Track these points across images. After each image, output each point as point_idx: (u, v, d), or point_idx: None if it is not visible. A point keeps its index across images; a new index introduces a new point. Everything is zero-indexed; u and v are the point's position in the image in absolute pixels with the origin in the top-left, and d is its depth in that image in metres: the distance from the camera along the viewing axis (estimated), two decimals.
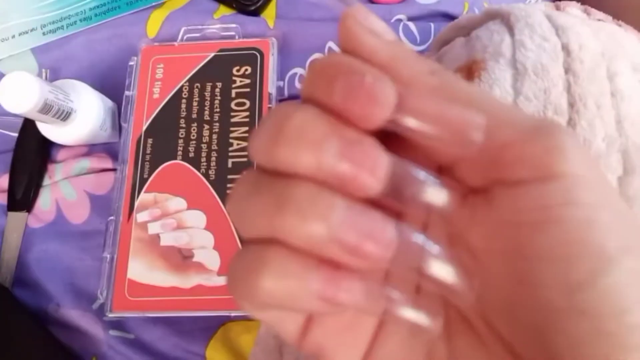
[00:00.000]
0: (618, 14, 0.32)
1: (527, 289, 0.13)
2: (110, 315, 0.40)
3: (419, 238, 0.13)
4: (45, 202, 0.46)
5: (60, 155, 0.47)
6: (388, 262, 0.13)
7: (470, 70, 0.26)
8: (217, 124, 0.44)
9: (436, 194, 0.13)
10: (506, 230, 0.13)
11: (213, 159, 0.43)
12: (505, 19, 0.28)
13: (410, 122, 0.13)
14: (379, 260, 0.12)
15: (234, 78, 0.46)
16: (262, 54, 0.46)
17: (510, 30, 0.27)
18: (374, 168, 0.12)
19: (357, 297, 0.13)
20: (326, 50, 0.47)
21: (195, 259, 0.41)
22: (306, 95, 0.14)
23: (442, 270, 0.13)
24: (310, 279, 0.12)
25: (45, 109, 0.39)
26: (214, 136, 0.44)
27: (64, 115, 0.41)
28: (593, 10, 0.32)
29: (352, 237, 0.12)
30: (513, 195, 0.13)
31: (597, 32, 0.28)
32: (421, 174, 0.13)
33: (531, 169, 0.13)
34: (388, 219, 0.13)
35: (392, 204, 0.13)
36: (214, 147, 0.44)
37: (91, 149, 0.47)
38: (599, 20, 0.31)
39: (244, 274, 0.13)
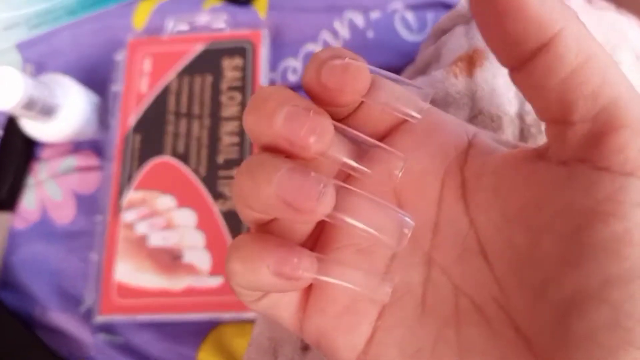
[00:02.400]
0: (619, 3, 0.31)
1: (569, 271, 0.13)
2: (98, 318, 0.39)
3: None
4: (30, 202, 0.45)
5: (45, 153, 0.46)
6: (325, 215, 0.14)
7: (471, 60, 0.25)
8: (208, 119, 0.43)
9: (386, 157, 0.15)
10: (573, 212, 0.14)
11: (203, 155, 0.42)
12: None
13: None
14: (315, 213, 0.14)
15: (224, 71, 0.44)
16: (253, 46, 0.44)
17: None
18: (317, 130, 0.14)
19: (308, 272, 0.15)
20: (320, 41, 0.45)
21: (185, 260, 0.39)
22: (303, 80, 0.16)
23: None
24: (267, 259, 0.14)
25: (30, 105, 0.38)
26: (204, 131, 0.43)
27: (48, 112, 0.40)
28: None
29: (288, 193, 0.14)
30: (595, 180, 0.13)
31: (599, 21, 0.27)
32: (367, 139, 0.16)
33: (626, 163, 0.13)
34: (322, 176, 0.14)
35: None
36: (204, 142, 0.42)
37: (77, 146, 0.46)
38: (601, 8, 0.30)
39: (225, 262, 0.15)
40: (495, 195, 0.16)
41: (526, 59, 0.13)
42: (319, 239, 0.18)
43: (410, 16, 0.44)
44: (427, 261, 0.17)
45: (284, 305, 0.17)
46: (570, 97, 0.13)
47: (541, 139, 0.24)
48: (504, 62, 0.14)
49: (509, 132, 0.23)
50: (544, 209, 0.14)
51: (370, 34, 0.44)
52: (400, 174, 0.16)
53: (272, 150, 0.15)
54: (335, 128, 0.15)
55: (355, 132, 0.16)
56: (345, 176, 0.17)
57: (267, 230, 0.16)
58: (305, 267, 0.15)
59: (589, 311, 0.13)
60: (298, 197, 0.14)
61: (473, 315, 0.16)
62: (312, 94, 0.16)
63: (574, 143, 0.14)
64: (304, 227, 0.17)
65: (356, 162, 0.16)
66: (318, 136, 0.14)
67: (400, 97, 0.16)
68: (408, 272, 0.17)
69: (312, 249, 0.17)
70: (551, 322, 0.14)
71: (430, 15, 0.44)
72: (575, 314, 0.13)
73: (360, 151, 0.16)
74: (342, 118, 0.17)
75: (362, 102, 0.17)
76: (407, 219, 0.15)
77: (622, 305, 0.12)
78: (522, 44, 0.13)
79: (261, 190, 0.14)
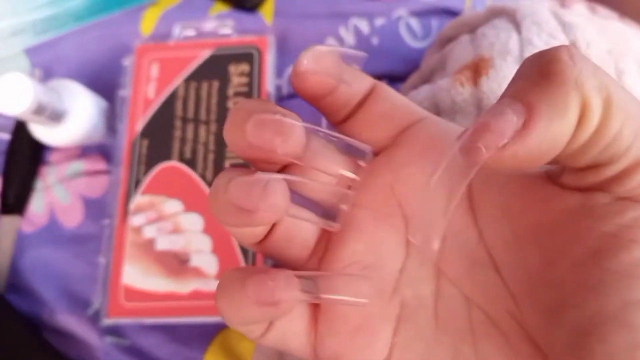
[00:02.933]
0: (621, 13, 0.31)
1: (587, 294, 0.13)
2: (106, 321, 0.39)
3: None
4: (38, 205, 0.45)
5: (53, 157, 0.46)
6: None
7: (477, 68, 0.25)
8: (214, 124, 0.43)
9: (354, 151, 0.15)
10: (591, 237, 0.14)
11: (210, 160, 0.42)
12: (511, 17, 0.28)
13: None
14: (259, 210, 0.14)
15: (231, 77, 0.45)
16: (259, 52, 0.45)
17: (517, 27, 0.27)
18: (282, 131, 0.14)
19: (287, 292, 0.14)
20: None
21: (192, 264, 0.40)
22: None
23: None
24: (246, 289, 0.14)
25: (39, 110, 0.38)
26: (211, 137, 0.43)
27: (57, 117, 0.40)
28: (599, 8, 0.31)
29: (238, 196, 0.14)
30: (617, 208, 0.13)
31: (603, 30, 0.28)
32: (337, 135, 0.16)
33: None
34: (267, 174, 0.14)
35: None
36: (211, 147, 0.43)
37: (85, 150, 0.46)
38: (605, 17, 0.30)
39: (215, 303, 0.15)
40: (504, 213, 0.16)
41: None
42: (323, 259, 0.17)
43: (414, 23, 0.45)
44: (436, 274, 0.17)
45: (292, 335, 0.17)
46: (602, 156, 0.13)
47: None
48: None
49: None
50: (559, 233, 0.14)
51: (375, 41, 0.45)
52: (364, 163, 0.16)
53: (251, 161, 0.15)
54: (306, 128, 0.15)
55: (326, 130, 0.16)
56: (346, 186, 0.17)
57: (266, 250, 0.16)
58: (282, 287, 0.14)
59: (609, 334, 0.13)
60: (244, 198, 0.14)
61: (488, 329, 0.15)
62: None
63: (597, 179, 0.14)
64: (301, 243, 0.17)
65: (349, 169, 0.16)
66: (284, 136, 0.14)
67: (401, 105, 0.16)
68: (418, 285, 0.17)
69: (318, 269, 0.17)
70: (569, 342, 0.14)
71: (434, 22, 0.45)
72: (595, 336, 0.13)
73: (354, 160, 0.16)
74: (337, 124, 0.17)
75: (359, 111, 0.17)
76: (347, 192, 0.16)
77: None
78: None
79: (220, 201, 0.14)
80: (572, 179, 0.14)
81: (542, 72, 0.12)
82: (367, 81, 0.17)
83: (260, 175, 0.14)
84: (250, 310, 0.14)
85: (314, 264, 0.17)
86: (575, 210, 0.14)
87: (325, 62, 0.16)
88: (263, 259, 0.40)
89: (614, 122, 0.12)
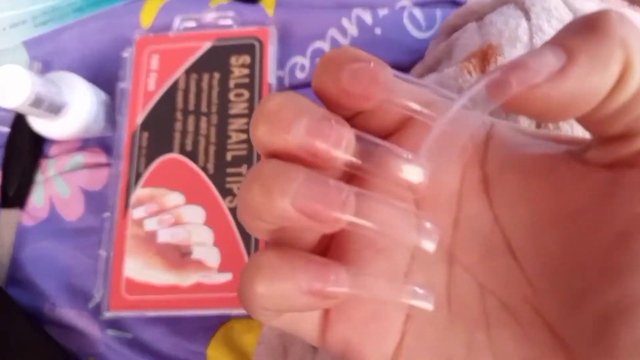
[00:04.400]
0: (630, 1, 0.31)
1: (613, 279, 0.13)
2: (107, 314, 0.39)
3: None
4: (38, 198, 0.45)
5: (52, 150, 0.46)
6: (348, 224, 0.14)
7: (485, 56, 0.25)
8: (215, 116, 0.43)
9: (409, 170, 0.14)
10: (618, 219, 0.13)
11: (211, 152, 0.42)
12: (519, 4, 0.27)
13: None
14: (336, 225, 0.13)
15: (232, 68, 0.44)
16: (261, 43, 0.44)
17: (527, 14, 0.26)
18: (342, 141, 0.13)
19: (344, 288, 0.14)
20: (328, 38, 0.46)
21: (194, 256, 0.39)
22: (314, 82, 0.15)
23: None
24: (298, 278, 0.13)
25: (37, 102, 0.38)
26: (212, 129, 0.43)
27: (56, 109, 0.40)
28: None
29: (309, 204, 0.13)
30: None
31: None
32: (394, 148, 0.15)
33: None
34: (341, 184, 0.14)
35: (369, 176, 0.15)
36: (212, 140, 0.42)
37: (85, 143, 0.46)
38: (615, 5, 0.30)
39: (243, 283, 0.14)
40: (523, 197, 0.15)
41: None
42: (332, 243, 0.17)
43: (418, 13, 0.44)
44: (449, 259, 0.16)
45: (303, 320, 0.16)
46: (630, 119, 0.12)
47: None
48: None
49: (525, 126, 0.23)
50: (583, 217, 0.14)
51: (378, 31, 0.45)
52: (423, 184, 0.15)
53: (286, 158, 0.14)
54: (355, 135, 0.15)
55: (374, 138, 0.15)
56: (350, 177, 0.17)
57: (277, 237, 0.15)
58: (340, 282, 0.14)
59: (636, 320, 0.12)
60: (320, 208, 0.13)
61: (503, 316, 0.15)
62: (327, 98, 0.15)
63: (626, 150, 0.13)
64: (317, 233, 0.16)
65: (375, 168, 0.15)
66: (343, 147, 0.14)
67: (414, 94, 0.15)
68: (430, 271, 0.16)
69: (326, 253, 0.17)
70: (592, 329, 0.13)
71: (439, 12, 0.44)
72: (620, 322, 0.12)
73: (369, 150, 0.16)
74: (349, 117, 0.16)
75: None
76: (429, 224, 0.14)
77: None
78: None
79: (275, 203, 0.13)
80: (600, 152, 0.14)
81: (588, 26, 0.12)
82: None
83: (340, 185, 0.14)
84: (296, 298, 0.14)
85: (322, 247, 0.17)
86: (602, 190, 0.14)
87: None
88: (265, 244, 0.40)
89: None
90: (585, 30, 0.12)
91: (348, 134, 0.14)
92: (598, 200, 0.14)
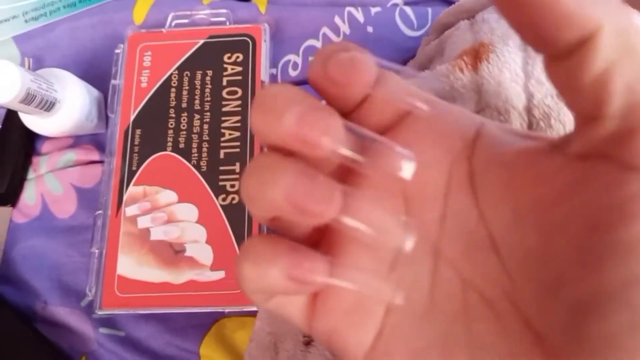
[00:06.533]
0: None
1: (585, 270, 0.13)
2: (100, 312, 0.39)
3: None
4: (30, 196, 0.45)
5: (44, 147, 0.46)
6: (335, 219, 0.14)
7: (477, 53, 0.25)
8: (208, 114, 0.43)
9: (397, 160, 0.15)
10: (591, 210, 0.13)
11: (204, 149, 0.42)
12: None
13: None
14: (320, 219, 0.14)
15: (225, 66, 0.44)
16: (254, 41, 0.44)
17: None
18: (329, 129, 0.14)
19: (320, 277, 0.15)
20: (320, 36, 0.46)
21: (187, 254, 0.39)
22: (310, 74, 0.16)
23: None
24: (279, 263, 0.14)
25: (28, 99, 0.38)
26: (205, 126, 0.43)
27: (47, 106, 0.40)
28: None
29: (297, 197, 0.14)
30: (620, 179, 0.13)
31: None
32: (382, 139, 0.15)
33: None
34: (330, 180, 0.14)
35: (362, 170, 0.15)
36: (205, 137, 0.42)
37: (77, 140, 0.46)
38: None
39: (235, 266, 0.15)
40: (506, 190, 0.15)
41: (561, 54, 0.13)
42: (325, 231, 0.18)
43: (410, 11, 0.44)
44: (434, 254, 0.17)
45: (293, 304, 0.17)
46: (604, 91, 0.12)
47: (550, 134, 0.24)
48: (538, 51, 0.14)
49: (517, 126, 0.23)
50: (559, 206, 0.14)
51: (370, 29, 0.45)
52: (410, 176, 0.15)
53: (281, 149, 0.15)
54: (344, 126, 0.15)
55: (363, 129, 0.16)
56: (345, 172, 0.17)
57: (274, 225, 0.16)
58: (318, 271, 0.15)
59: (608, 313, 0.12)
60: (306, 201, 0.14)
61: (482, 310, 0.15)
62: (318, 88, 0.16)
63: (601, 138, 0.13)
64: None
65: (362, 158, 0.15)
66: (331, 135, 0.14)
67: (407, 89, 0.16)
68: (415, 265, 0.17)
69: (319, 242, 0.18)
70: (565, 321, 0.13)
71: (430, 11, 0.44)
72: (593, 315, 0.12)
73: (362, 145, 0.16)
74: (346, 113, 0.17)
75: (365, 96, 0.16)
76: (409, 224, 0.15)
77: None
78: (557, 41, 0.12)
79: (267, 192, 0.14)
80: (576, 143, 0.14)
81: None
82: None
83: (328, 182, 0.14)
84: (276, 282, 0.15)
85: (317, 236, 0.18)
86: (578, 181, 0.14)
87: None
88: (259, 228, 0.40)
89: (604, 47, 0.12)
90: None
91: (336, 122, 0.14)
92: (571, 191, 0.14)
